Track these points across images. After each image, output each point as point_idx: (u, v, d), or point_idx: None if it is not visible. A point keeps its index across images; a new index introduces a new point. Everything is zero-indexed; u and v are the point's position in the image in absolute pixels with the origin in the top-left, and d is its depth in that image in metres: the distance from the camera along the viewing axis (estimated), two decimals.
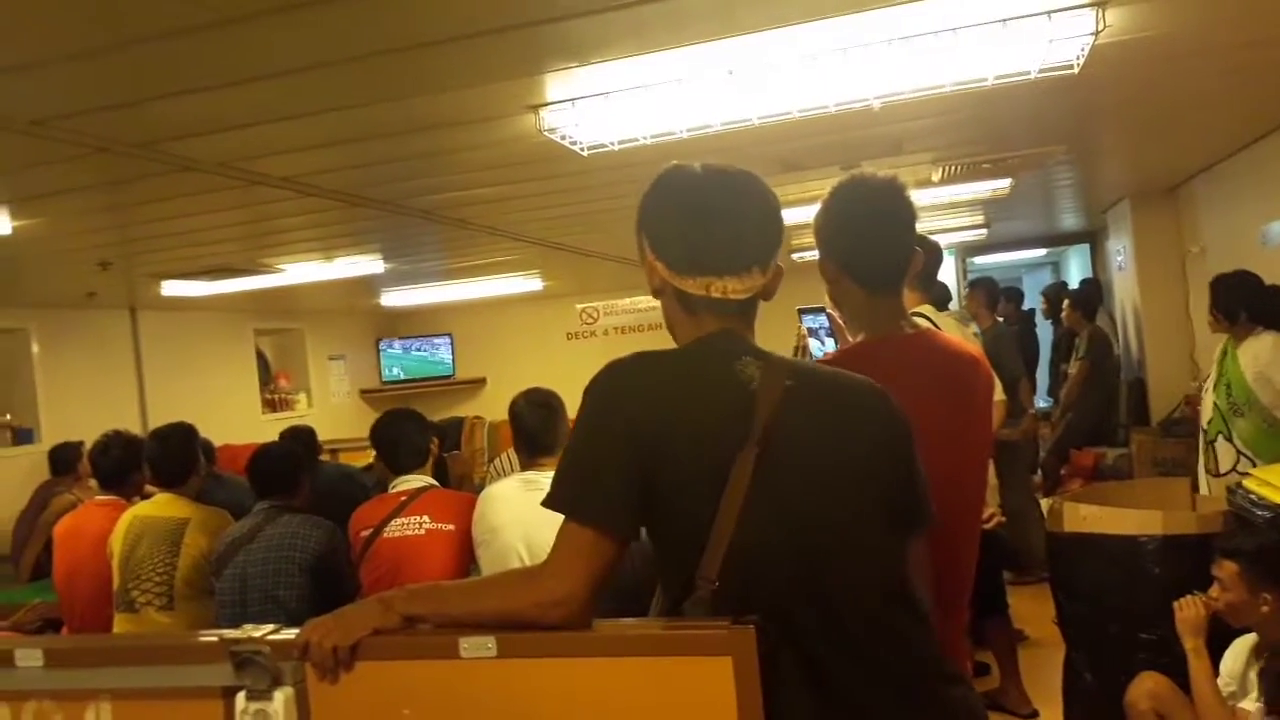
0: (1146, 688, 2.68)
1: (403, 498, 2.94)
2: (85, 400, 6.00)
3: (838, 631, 1.23)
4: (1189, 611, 2.66)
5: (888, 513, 1.30)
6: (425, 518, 2.87)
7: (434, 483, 3.06)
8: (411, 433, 3.10)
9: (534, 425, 2.82)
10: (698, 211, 1.35)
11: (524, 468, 2.86)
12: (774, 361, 1.32)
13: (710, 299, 1.33)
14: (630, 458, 1.23)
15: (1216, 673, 2.59)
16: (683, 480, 1.23)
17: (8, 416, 5.72)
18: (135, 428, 5.28)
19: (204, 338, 7.19)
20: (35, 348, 5.88)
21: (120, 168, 2.95)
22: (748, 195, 1.37)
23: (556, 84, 2.60)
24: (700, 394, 1.28)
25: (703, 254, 1.34)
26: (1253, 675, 2.53)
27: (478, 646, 1.22)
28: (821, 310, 1.91)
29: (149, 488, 3.70)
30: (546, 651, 1.21)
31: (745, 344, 1.34)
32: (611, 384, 1.29)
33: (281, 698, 1.27)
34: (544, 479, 2.68)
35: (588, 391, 1.30)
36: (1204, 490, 3.83)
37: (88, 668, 1.41)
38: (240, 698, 1.28)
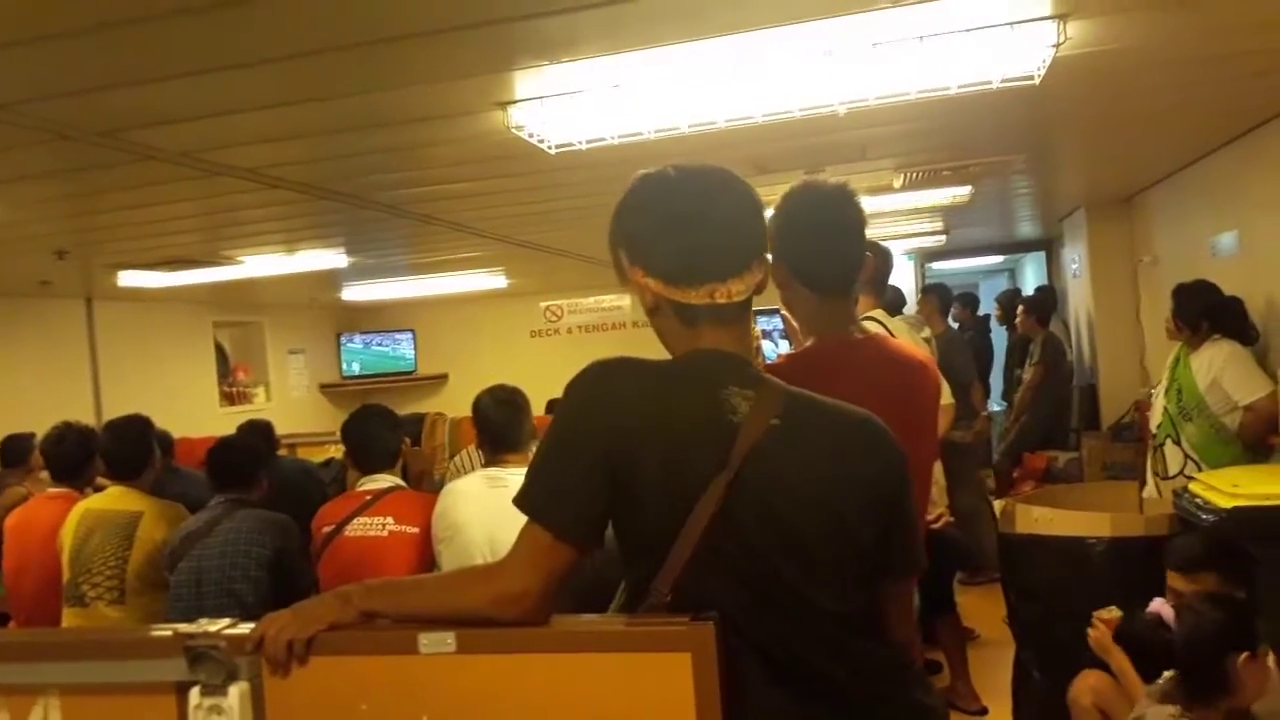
0: (1088, 684, 2.74)
1: (367, 497, 2.92)
2: (37, 391, 5.87)
3: (790, 659, 1.23)
4: (1095, 635, 2.72)
5: (859, 562, 1.26)
6: (389, 519, 2.85)
7: (401, 483, 3.03)
8: (381, 433, 3.05)
9: (498, 422, 2.82)
10: (687, 218, 1.29)
11: (487, 464, 2.85)
12: (766, 394, 1.27)
13: (714, 306, 1.29)
14: (599, 469, 1.22)
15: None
16: (650, 498, 1.22)
17: None
18: (90, 420, 5.18)
19: (161, 329, 7.08)
20: None
21: (81, 155, 2.91)
22: (729, 192, 1.32)
23: (526, 81, 2.60)
24: (679, 418, 1.24)
25: (701, 261, 1.28)
26: None
27: (437, 642, 1.22)
28: (775, 312, 1.94)
29: (100, 480, 3.64)
30: (506, 647, 1.22)
31: (738, 368, 1.29)
32: (591, 391, 1.27)
33: (236, 693, 1.26)
34: (508, 476, 2.68)
35: (568, 391, 1.28)
36: (1151, 493, 3.92)
37: (36, 662, 1.38)
38: (194, 693, 1.27)
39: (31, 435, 5.03)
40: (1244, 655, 2.20)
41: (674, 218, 1.29)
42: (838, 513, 1.25)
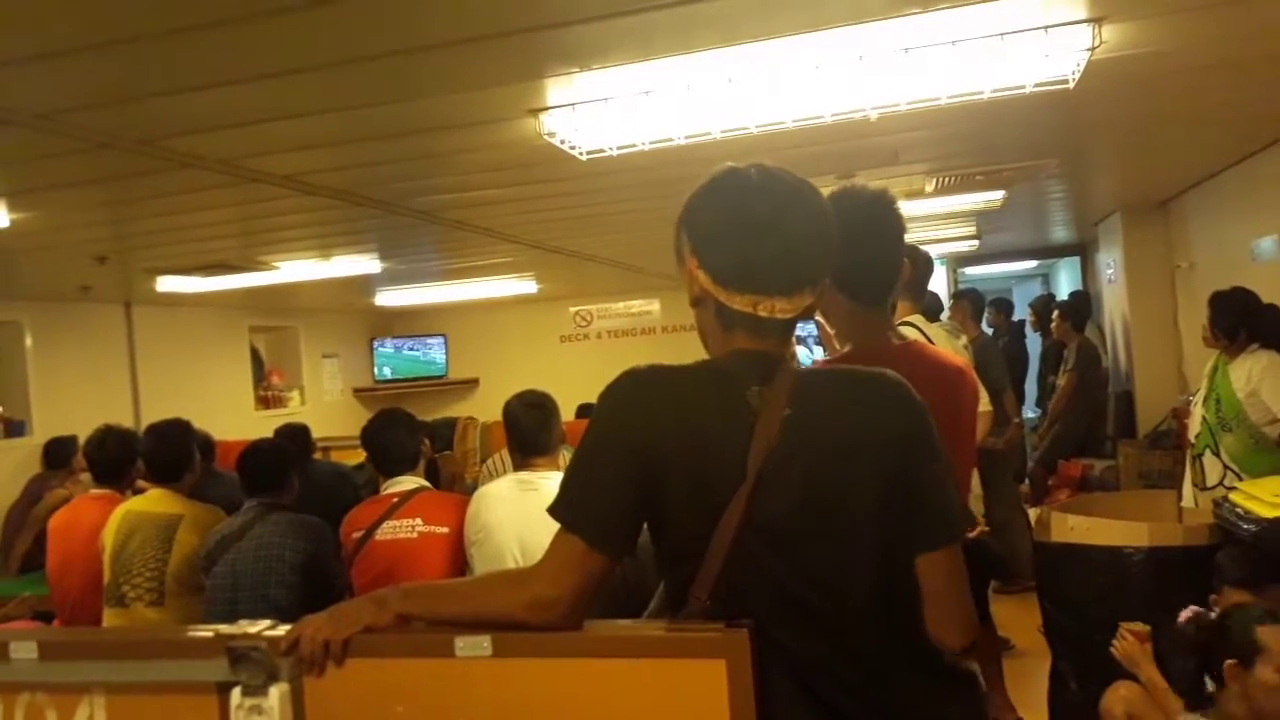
0: (1121, 694, 2.71)
1: (394, 500, 2.94)
2: (78, 394, 5.99)
3: (826, 657, 1.22)
4: (1123, 647, 2.68)
5: (892, 536, 1.25)
6: (418, 520, 2.87)
7: (426, 484, 3.05)
8: (401, 437, 3.05)
9: (528, 426, 2.83)
10: (753, 224, 1.27)
11: (518, 468, 2.87)
12: (777, 386, 1.26)
13: (754, 317, 1.27)
14: (630, 480, 1.23)
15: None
16: (681, 508, 1.23)
17: (0, 409, 5.71)
18: (128, 422, 5.26)
19: (198, 334, 7.18)
20: (29, 340, 5.86)
21: (121, 163, 2.96)
22: (805, 209, 1.30)
23: (557, 89, 2.61)
24: (704, 427, 1.24)
25: (754, 270, 1.27)
26: None
27: (473, 645, 1.24)
28: (810, 318, 1.93)
29: (141, 483, 3.70)
30: (541, 651, 1.23)
31: (761, 368, 1.27)
32: (621, 403, 1.28)
33: (277, 693, 1.27)
34: (538, 479, 2.69)
35: (600, 402, 1.29)
36: (1189, 503, 3.86)
37: (82, 661, 1.41)
38: (235, 693, 1.29)
39: (74, 438, 5.14)
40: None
41: (741, 223, 1.28)
42: (862, 489, 1.23)
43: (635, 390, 1.28)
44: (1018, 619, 4.42)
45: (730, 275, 1.28)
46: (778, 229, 1.27)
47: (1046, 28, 2.39)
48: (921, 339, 2.35)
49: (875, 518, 1.24)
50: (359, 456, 5.65)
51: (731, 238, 1.28)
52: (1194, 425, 4.02)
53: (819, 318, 1.91)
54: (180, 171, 3.08)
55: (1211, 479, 3.81)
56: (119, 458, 3.67)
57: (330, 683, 1.28)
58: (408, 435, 3.08)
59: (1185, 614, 2.64)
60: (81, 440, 4.21)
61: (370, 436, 3.10)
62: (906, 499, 1.26)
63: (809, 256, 1.30)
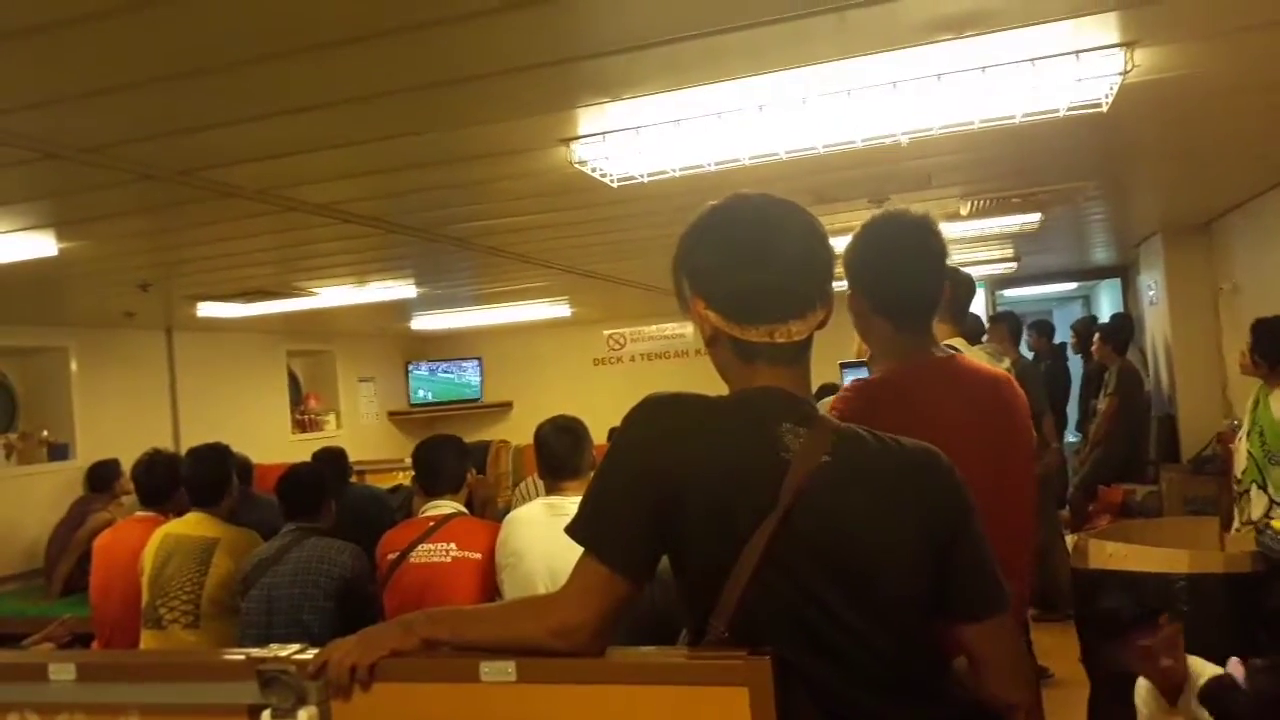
0: None
1: (430, 523, 2.97)
2: (120, 418, 6.09)
3: (848, 688, 1.21)
4: None
5: (917, 599, 1.24)
6: (452, 545, 2.90)
7: (463, 510, 3.09)
8: (450, 459, 3.16)
9: (559, 451, 2.85)
10: (751, 257, 1.28)
11: (548, 492, 2.88)
12: (818, 431, 1.25)
13: (772, 345, 1.28)
14: (652, 507, 1.23)
15: None
16: (700, 538, 1.22)
17: (45, 433, 5.81)
18: (168, 446, 5.36)
19: (237, 358, 7.28)
20: (74, 366, 5.98)
21: (163, 193, 3.03)
22: (797, 230, 1.31)
23: (588, 118, 2.64)
24: (730, 457, 1.23)
25: (762, 300, 1.28)
26: None
27: (498, 671, 1.24)
28: (863, 365, 1.93)
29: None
30: (566, 677, 1.23)
31: (792, 406, 1.28)
32: (647, 428, 1.27)
33: (305, 717, 1.29)
34: (568, 504, 2.70)
35: (625, 424, 1.29)
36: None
37: (118, 682, 1.44)
38: (265, 715, 1.30)
39: (116, 462, 5.23)
40: None
41: (739, 255, 1.29)
42: (890, 550, 1.22)
43: (657, 414, 1.28)
44: (1057, 647, 4.33)
45: (741, 310, 1.28)
46: (776, 253, 1.28)
47: (1078, 52, 2.38)
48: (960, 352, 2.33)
49: (904, 580, 1.23)
50: (395, 480, 5.71)
51: (733, 273, 1.29)
52: (1239, 461, 3.94)
53: (861, 345, 1.91)
54: (220, 201, 3.15)
55: (1256, 513, 3.72)
56: (165, 481, 3.73)
57: (357, 706, 1.29)
58: (456, 459, 3.19)
59: (1231, 665, 2.55)
60: (124, 464, 4.28)
61: (421, 454, 3.20)
62: (948, 571, 1.25)
63: (811, 275, 1.31)
